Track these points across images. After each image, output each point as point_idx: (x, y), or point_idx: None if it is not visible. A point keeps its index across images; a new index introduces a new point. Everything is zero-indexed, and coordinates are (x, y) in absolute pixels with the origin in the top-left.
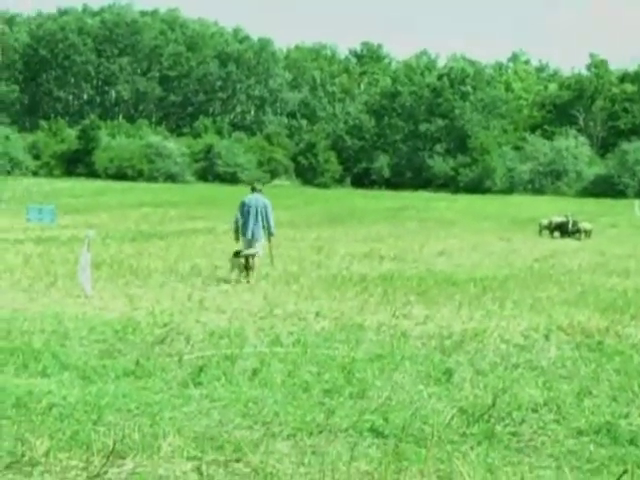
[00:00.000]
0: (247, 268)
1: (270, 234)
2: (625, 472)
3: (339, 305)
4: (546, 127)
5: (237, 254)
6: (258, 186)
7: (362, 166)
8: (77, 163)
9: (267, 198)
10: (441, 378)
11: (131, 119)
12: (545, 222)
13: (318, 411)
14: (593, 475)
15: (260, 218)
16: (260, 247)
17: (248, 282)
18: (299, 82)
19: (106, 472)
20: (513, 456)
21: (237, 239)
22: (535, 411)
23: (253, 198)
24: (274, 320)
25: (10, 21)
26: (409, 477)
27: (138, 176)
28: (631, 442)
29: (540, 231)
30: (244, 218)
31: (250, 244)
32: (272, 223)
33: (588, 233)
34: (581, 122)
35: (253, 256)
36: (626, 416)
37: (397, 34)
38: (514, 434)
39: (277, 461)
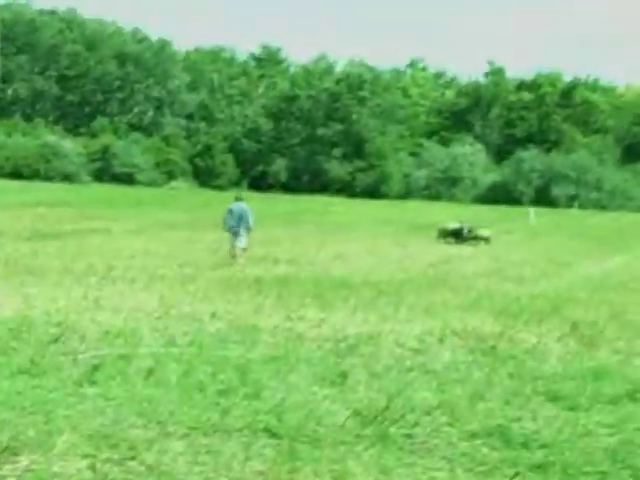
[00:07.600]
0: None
1: (249, 229)
2: (517, 475)
3: (234, 307)
4: (443, 134)
5: None
6: (240, 196)
7: (259, 169)
8: None
9: (248, 205)
10: (336, 380)
11: (28, 118)
12: (442, 228)
13: (213, 411)
14: (486, 477)
15: (242, 220)
16: (244, 241)
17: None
18: (198, 84)
19: (0, 468)
20: (407, 458)
21: (226, 231)
22: (428, 414)
23: (237, 205)
24: (169, 320)
25: None
26: (303, 477)
27: (34, 175)
28: (523, 445)
29: (438, 237)
30: (231, 220)
31: (236, 237)
32: (251, 222)
33: (487, 240)
34: (478, 129)
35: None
36: (518, 420)
37: (296, 38)
38: (408, 436)
39: (172, 460)
